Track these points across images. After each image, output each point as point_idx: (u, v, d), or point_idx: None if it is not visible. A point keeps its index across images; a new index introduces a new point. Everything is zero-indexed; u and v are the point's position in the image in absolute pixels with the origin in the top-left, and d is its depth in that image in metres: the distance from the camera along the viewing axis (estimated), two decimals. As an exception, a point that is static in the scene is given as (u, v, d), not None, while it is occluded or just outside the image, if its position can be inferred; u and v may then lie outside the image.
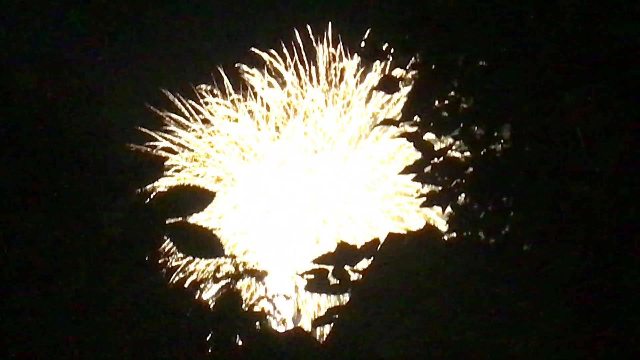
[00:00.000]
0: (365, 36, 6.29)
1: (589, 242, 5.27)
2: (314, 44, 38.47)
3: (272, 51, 38.65)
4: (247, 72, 38.66)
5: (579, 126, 5.14)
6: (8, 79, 4.08)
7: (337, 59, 38.29)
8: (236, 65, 38.67)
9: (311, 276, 5.74)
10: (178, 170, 37.76)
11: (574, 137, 5.22)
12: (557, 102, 5.27)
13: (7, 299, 3.59)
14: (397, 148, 37.79)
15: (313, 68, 38.87)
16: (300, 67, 38.73)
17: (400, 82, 6.08)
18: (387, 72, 6.34)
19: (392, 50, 6.02)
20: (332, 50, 38.55)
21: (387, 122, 6.43)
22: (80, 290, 3.60)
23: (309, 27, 38.50)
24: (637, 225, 5.32)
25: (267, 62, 38.71)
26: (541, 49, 5.18)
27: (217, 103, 38.78)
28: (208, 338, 4.02)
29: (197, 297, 4.32)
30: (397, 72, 6.14)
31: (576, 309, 5.33)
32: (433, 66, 5.93)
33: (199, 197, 3.75)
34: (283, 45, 38.65)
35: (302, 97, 38.74)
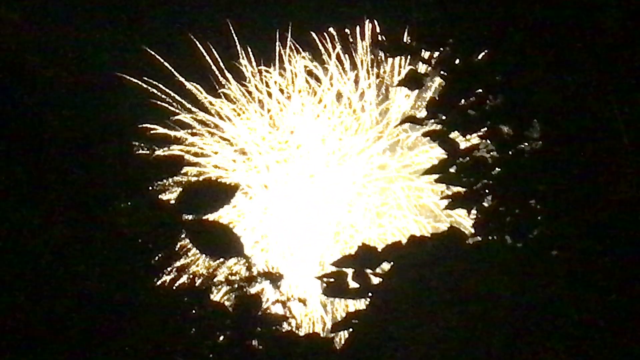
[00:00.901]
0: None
1: (625, 250, 5.29)
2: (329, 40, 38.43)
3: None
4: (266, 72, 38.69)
5: (622, 124, 5.17)
6: (23, 72, 4.14)
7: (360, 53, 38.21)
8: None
9: (330, 279, 5.77)
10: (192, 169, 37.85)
11: (614, 136, 5.24)
12: (595, 99, 5.29)
13: (16, 296, 3.65)
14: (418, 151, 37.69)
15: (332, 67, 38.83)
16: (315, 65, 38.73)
17: (424, 78, 6.12)
18: (410, 67, 6.37)
19: (416, 45, 6.06)
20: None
21: (411, 119, 6.45)
22: (93, 290, 3.66)
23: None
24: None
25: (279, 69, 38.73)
26: (578, 43, 5.22)
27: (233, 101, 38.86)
28: (226, 340, 4.08)
29: (212, 298, 4.39)
30: (422, 68, 6.20)
31: (611, 319, 5.35)
32: (459, 61, 5.96)
33: (220, 193, 3.79)
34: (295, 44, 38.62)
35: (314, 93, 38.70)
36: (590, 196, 5.58)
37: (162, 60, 38.00)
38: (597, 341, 5.48)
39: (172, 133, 37.99)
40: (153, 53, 37.59)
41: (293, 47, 38.31)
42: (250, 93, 39.02)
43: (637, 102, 5.23)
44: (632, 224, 5.30)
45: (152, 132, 36.49)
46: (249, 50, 38.96)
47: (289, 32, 38.05)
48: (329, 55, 37.79)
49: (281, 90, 38.81)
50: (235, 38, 38.46)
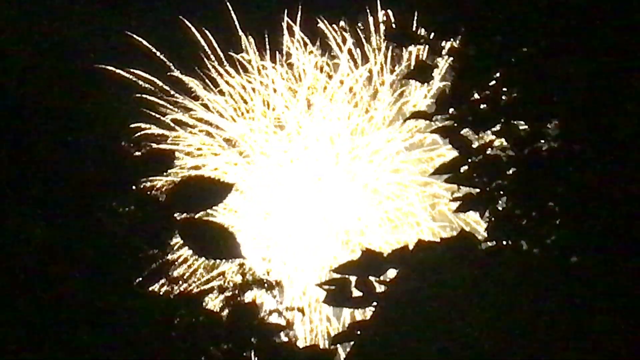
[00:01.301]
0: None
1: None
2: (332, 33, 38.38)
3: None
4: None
5: None
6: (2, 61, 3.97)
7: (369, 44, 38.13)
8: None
9: (331, 287, 5.63)
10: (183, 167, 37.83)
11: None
12: (620, 95, 5.12)
13: (5, 299, 3.46)
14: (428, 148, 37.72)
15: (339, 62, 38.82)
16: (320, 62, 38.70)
17: (434, 69, 5.97)
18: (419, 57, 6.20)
19: (425, 33, 5.90)
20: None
21: (419, 115, 6.29)
22: (78, 296, 3.45)
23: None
24: None
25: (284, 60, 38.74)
26: (604, 33, 5.03)
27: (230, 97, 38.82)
28: (220, 351, 3.89)
29: (204, 306, 4.16)
30: (431, 58, 6.03)
31: (634, 331, 5.19)
32: (472, 52, 5.80)
33: (214, 190, 3.59)
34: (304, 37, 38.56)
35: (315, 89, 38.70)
36: (615, 198, 5.41)
37: (153, 49, 37.84)
38: (621, 355, 5.34)
39: (165, 132, 37.89)
40: (143, 41, 37.37)
41: (301, 40, 38.29)
42: (253, 89, 38.97)
43: None
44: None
45: (142, 131, 36.33)
46: (251, 40, 38.85)
47: (297, 23, 37.89)
48: (340, 49, 37.75)
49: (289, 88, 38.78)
50: (238, 26, 38.26)
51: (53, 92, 4.13)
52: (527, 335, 5.50)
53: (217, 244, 3.53)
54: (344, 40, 37.71)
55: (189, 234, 3.55)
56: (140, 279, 3.69)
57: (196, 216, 3.58)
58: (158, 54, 37.94)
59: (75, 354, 3.39)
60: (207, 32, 38.18)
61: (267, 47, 38.58)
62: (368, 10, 36.08)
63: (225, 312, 4.08)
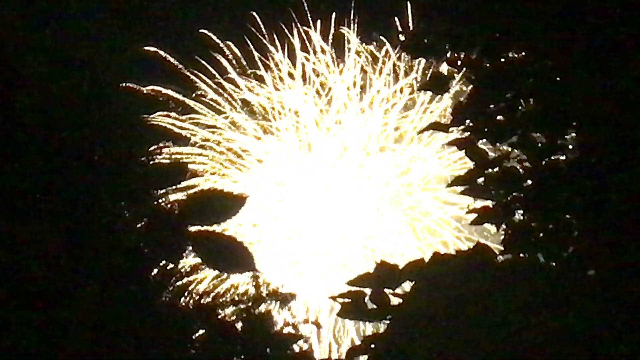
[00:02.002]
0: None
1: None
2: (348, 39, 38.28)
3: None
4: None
5: None
6: (19, 75, 4.09)
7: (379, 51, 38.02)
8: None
9: (346, 300, 5.68)
10: (200, 175, 37.75)
11: None
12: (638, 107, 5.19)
13: (14, 311, 3.56)
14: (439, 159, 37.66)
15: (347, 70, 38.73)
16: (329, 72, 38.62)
17: (450, 80, 6.04)
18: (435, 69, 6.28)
19: (441, 45, 5.97)
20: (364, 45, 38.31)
21: (436, 126, 6.35)
22: (93, 306, 3.56)
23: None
24: None
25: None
26: (619, 46, 5.11)
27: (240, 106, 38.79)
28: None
29: (218, 317, 4.28)
30: (447, 70, 6.10)
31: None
32: (488, 64, 5.87)
33: (227, 203, 3.69)
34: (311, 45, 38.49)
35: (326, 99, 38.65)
36: (633, 211, 5.47)
37: (174, 62, 37.71)
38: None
39: (189, 150, 37.79)
40: (166, 56, 37.25)
41: (329, 58, 38.11)
42: (273, 108, 38.87)
43: None
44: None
45: (163, 147, 36.15)
46: (280, 58, 38.66)
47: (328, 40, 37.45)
48: (373, 66, 37.49)
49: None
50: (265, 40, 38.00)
51: (73, 108, 4.25)
52: (542, 351, 5.54)
53: (230, 256, 3.62)
54: (375, 58, 37.63)
55: (201, 246, 3.64)
56: (153, 287, 3.80)
57: (210, 229, 3.68)
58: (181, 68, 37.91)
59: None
60: (232, 46, 38.11)
61: (294, 64, 38.54)
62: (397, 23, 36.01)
63: (240, 324, 4.17)
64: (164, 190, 3.80)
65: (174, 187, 3.76)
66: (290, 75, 38.68)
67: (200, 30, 37.91)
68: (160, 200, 3.76)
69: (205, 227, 3.66)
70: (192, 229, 3.66)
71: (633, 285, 5.54)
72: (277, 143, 39.02)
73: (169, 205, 3.72)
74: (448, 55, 6.02)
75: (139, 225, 3.73)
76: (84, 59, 4.87)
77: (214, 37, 38.00)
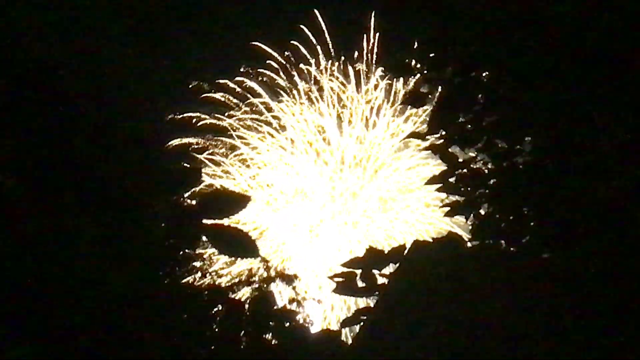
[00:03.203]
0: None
1: (608, 251, 5.20)
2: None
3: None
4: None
5: (605, 140, 5.08)
6: (53, 82, 4.07)
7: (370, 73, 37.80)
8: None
9: (340, 279, 5.69)
10: (216, 176, 37.66)
11: (595, 151, 5.15)
12: (580, 117, 5.19)
13: (50, 295, 3.56)
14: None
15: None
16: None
17: (427, 96, 6.03)
18: (414, 87, 6.28)
19: (419, 66, 5.97)
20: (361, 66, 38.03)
21: (414, 135, 6.36)
22: (123, 288, 3.57)
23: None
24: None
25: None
26: (566, 68, 5.12)
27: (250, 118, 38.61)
28: (242, 334, 3.99)
29: (231, 297, 4.28)
30: (424, 87, 6.09)
31: (594, 316, 5.25)
32: (458, 81, 5.86)
33: (235, 201, 3.71)
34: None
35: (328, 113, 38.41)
36: (577, 203, 5.48)
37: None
38: (585, 337, 5.38)
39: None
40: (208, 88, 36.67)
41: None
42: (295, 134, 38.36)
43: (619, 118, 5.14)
44: (611, 226, 5.21)
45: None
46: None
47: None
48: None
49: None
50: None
51: (99, 113, 4.24)
52: (505, 317, 5.55)
53: (238, 245, 3.65)
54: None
55: (214, 236, 3.66)
56: (175, 270, 3.82)
57: (221, 222, 3.70)
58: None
59: (117, 340, 3.50)
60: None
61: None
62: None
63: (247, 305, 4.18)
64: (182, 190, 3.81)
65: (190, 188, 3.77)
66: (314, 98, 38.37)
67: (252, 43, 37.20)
68: (180, 198, 3.78)
69: (217, 221, 3.68)
70: (207, 221, 3.69)
71: (580, 265, 5.54)
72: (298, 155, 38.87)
73: (187, 202, 3.74)
74: (425, 74, 6.02)
75: (163, 219, 3.74)
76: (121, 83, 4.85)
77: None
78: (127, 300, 3.65)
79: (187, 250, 3.81)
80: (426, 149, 6.04)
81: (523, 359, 5.55)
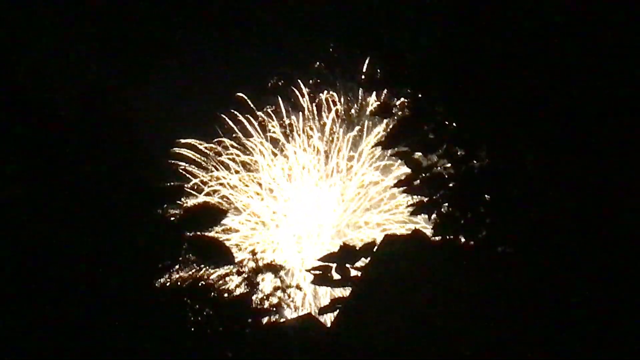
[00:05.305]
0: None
1: (547, 245, 5.28)
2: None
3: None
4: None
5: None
6: (52, 102, 4.10)
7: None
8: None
9: (317, 272, 5.75)
10: (199, 191, 37.88)
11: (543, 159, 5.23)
12: (527, 131, 5.25)
13: (50, 295, 3.61)
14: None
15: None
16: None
17: (394, 108, 6.06)
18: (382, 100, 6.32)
19: (387, 82, 5.99)
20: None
21: (381, 144, 6.39)
22: (112, 292, 3.62)
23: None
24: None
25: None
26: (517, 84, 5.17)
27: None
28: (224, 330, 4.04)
29: (214, 294, 4.34)
30: (392, 100, 6.13)
31: (535, 300, 5.32)
32: (421, 95, 5.89)
33: (213, 215, 3.77)
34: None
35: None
36: (527, 204, 5.54)
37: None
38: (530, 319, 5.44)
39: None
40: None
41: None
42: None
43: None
44: (551, 222, 5.28)
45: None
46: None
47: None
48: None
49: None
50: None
51: (100, 133, 4.23)
52: (464, 306, 5.60)
53: (216, 254, 3.71)
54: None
55: (195, 246, 3.72)
56: (160, 276, 3.86)
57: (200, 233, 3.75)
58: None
59: (111, 338, 3.56)
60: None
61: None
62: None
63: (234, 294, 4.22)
64: (166, 205, 3.86)
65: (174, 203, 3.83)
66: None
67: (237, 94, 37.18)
68: (163, 213, 3.83)
69: (197, 232, 3.73)
70: (188, 234, 3.74)
71: (531, 257, 5.59)
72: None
73: (170, 217, 3.79)
74: (392, 89, 6.05)
75: (148, 231, 3.79)
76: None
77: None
78: (119, 301, 3.70)
79: (170, 257, 3.86)
80: (393, 155, 6.07)
81: (482, 339, 5.63)
